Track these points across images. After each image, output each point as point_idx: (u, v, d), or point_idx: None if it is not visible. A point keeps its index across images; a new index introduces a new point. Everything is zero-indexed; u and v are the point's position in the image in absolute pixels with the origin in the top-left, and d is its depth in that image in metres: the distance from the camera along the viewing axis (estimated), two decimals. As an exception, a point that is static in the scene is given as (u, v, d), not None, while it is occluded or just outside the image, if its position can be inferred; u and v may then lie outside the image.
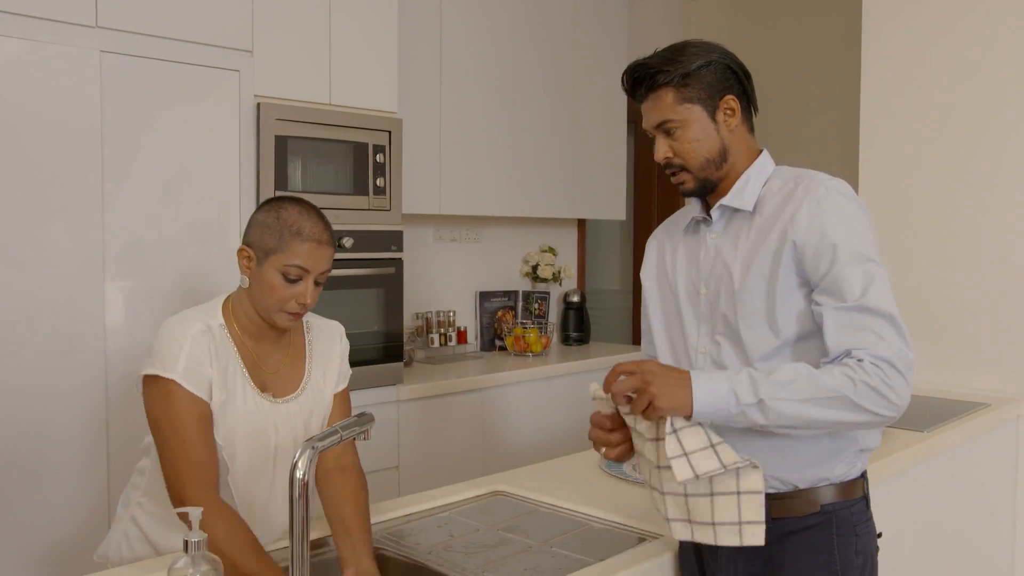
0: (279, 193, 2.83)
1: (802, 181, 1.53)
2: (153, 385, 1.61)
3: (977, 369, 3.10)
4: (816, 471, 1.53)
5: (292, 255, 1.62)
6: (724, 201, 1.57)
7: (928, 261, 3.17)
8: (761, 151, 1.61)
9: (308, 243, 1.62)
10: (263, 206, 1.69)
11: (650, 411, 1.39)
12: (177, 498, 1.57)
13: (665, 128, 1.54)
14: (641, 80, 1.55)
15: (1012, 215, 3.02)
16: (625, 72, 1.58)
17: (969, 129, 3.11)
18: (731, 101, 1.55)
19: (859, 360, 1.40)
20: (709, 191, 1.58)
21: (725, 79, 1.54)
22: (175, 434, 1.58)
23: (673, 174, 1.58)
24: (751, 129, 1.61)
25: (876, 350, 1.40)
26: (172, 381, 1.58)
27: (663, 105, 1.53)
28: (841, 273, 1.44)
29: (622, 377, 1.41)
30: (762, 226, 1.53)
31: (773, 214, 1.52)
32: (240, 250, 1.68)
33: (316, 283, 1.66)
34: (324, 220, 1.68)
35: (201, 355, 1.61)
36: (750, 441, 1.49)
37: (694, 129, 1.53)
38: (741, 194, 1.56)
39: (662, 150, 1.56)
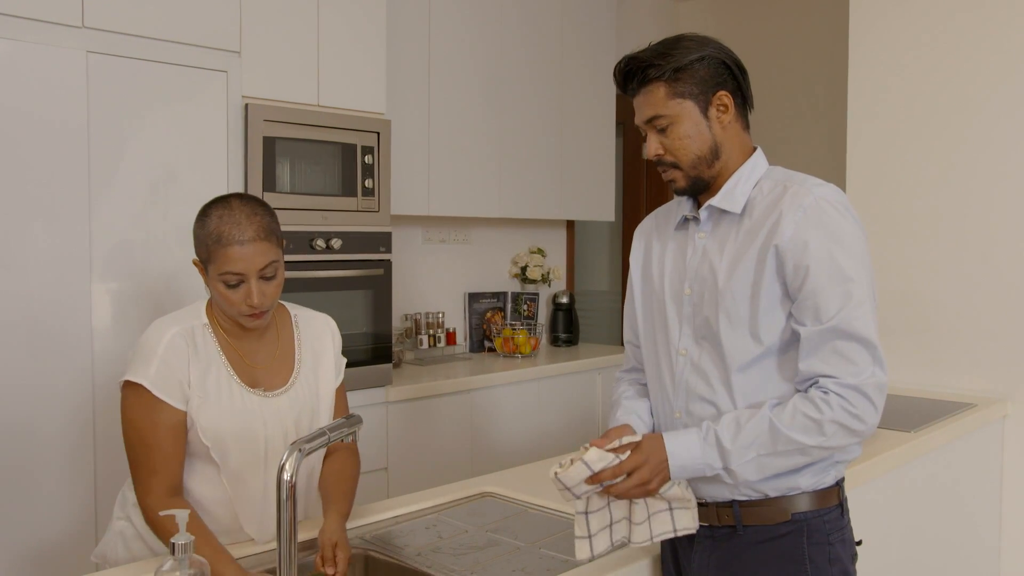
0: (266, 195, 2.83)
1: (792, 185, 1.49)
2: (127, 389, 1.65)
3: (962, 369, 3.12)
4: (785, 480, 1.50)
5: (221, 263, 1.62)
6: (712, 202, 1.53)
7: (914, 261, 3.18)
8: (755, 149, 1.57)
9: (231, 247, 1.60)
10: (197, 216, 1.68)
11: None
12: (140, 501, 1.63)
13: (656, 124, 1.51)
14: (632, 74, 1.51)
15: (997, 215, 3.04)
16: (617, 66, 1.54)
17: (954, 130, 3.13)
18: (724, 97, 1.51)
19: (825, 393, 1.42)
20: (701, 190, 1.55)
21: (719, 74, 1.50)
22: (140, 439, 1.63)
23: (664, 171, 1.55)
24: (746, 126, 1.57)
25: (845, 378, 1.41)
26: (142, 387, 1.62)
27: (654, 100, 1.50)
28: (818, 290, 1.42)
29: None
30: (750, 229, 1.50)
31: (760, 218, 1.49)
32: (193, 261, 1.70)
33: (265, 278, 1.64)
34: (250, 216, 1.63)
35: (174, 360, 1.64)
36: None
37: (685, 125, 1.50)
38: (730, 195, 1.52)
39: (653, 147, 1.52)
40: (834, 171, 3.51)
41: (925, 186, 3.19)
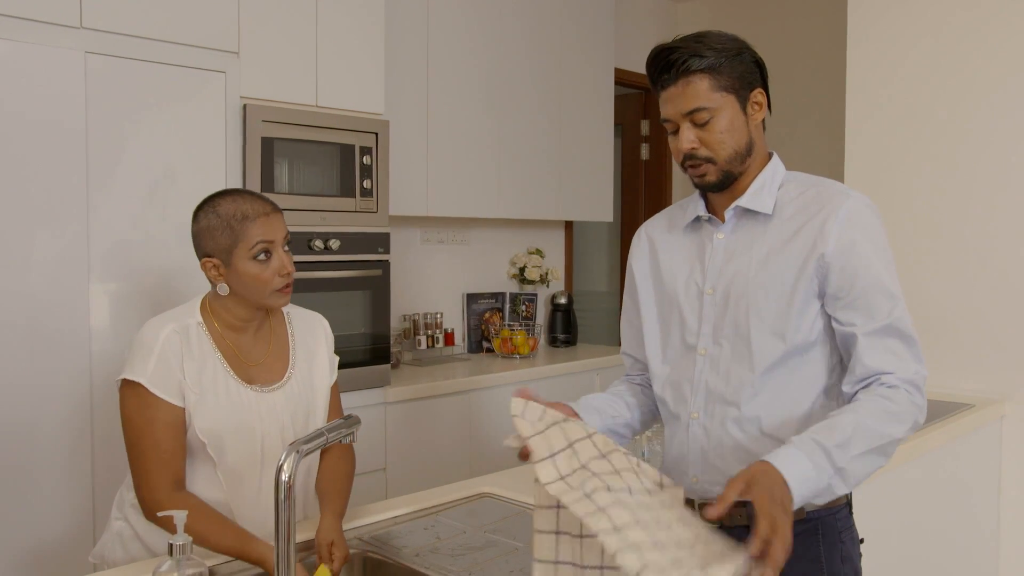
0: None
1: (824, 190, 1.51)
2: (125, 388, 1.67)
3: (961, 370, 3.12)
4: None
5: (252, 236, 1.66)
6: (740, 202, 1.52)
7: (912, 262, 3.19)
8: (772, 154, 1.58)
9: (258, 219, 1.67)
10: (196, 217, 1.71)
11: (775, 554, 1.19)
12: (143, 498, 1.64)
13: (696, 117, 1.47)
14: (671, 65, 1.46)
15: (996, 216, 3.05)
16: (652, 56, 1.50)
17: (953, 129, 3.13)
18: (760, 95, 1.51)
19: (891, 387, 1.42)
20: (728, 185, 1.52)
21: (753, 72, 1.50)
22: (140, 436, 1.64)
23: (695, 166, 1.50)
24: (764, 129, 1.58)
25: (900, 372, 1.43)
26: (140, 385, 1.63)
27: (696, 92, 1.45)
28: (868, 291, 1.44)
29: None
30: (782, 230, 1.50)
31: (796, 220, 1.49)
32: (203, 264, 1.71)
33: (286, 249, 1.72)
34: (259, 195, 1.73)
35: (171, 357, 1.65)
36: (739, 461, 1.47)
37: (726, 119, 1.47)
38: (758, 196, 1.52)
39: (688, 140, 1.48)
40: (833, 172, 3.50)
41: (923, 187, 3.20)
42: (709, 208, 1.59)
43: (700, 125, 1.47)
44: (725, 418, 1.52)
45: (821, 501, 1.41)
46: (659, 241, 1.67)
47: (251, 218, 1.66)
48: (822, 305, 1.49)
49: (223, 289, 1.70)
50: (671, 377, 1.61)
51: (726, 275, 1.53)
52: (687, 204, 1.64)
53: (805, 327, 1.48)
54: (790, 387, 1.49)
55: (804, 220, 1.49)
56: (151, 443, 1.63)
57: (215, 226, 1.67)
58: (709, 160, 1.49)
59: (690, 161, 1.50)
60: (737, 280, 1.51)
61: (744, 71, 1.49)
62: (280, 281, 1.69)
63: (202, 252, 1.70)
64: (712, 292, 1.54)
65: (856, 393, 1.46)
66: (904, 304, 1.47)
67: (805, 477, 1.28)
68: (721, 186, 1.52)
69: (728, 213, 1.55)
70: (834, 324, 1.48)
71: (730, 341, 1.52)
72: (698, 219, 1.60)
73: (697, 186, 1.55)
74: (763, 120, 1.56)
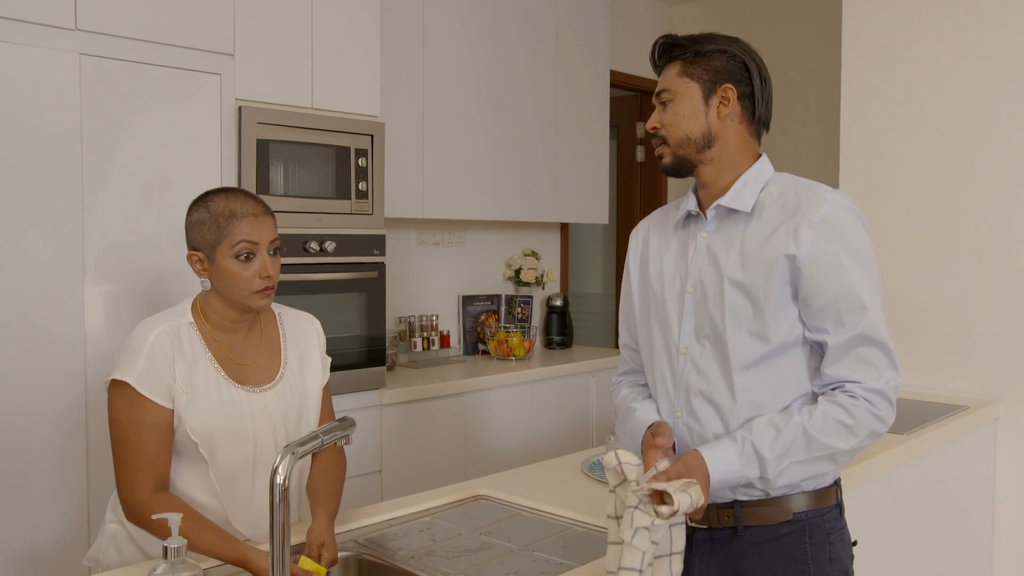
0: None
1: (803, 191, 1.52)
2: (114, 388, 1.67)
3: (955, 372, 3.13)
4: None
5: (235, 235, 1.67)
6: (721, 201, 1.55)
7: (906, 264, 3.19)
8: (761, 155, 1.61)
9: (245, 219, 1.68)
10: (190, 209, 1.73)
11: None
12: (125, 498, 1.64)
13: (661, 98, 1.59)
14: (663, 51, 1.61)
15: (989, 218, 3.05)
16: (654, 43, 1.64)
17: (946, 131, 3.14)
18: (728, 90, 1.55)
19: (853, 397, 1.45)
20: (687, 172, 1.60)
21: (734, 71, 1.56)
22: (126, 436, 1.64)
23: (656, 146, 1.61)
24: (755, 134, 1.61)
25: (868, 382, 1.46)
26: (128, 385, 1.63)
27: (667, 76, 1.59)
28: (840, 300, 1.46)
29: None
30: (759, 230, 1.51)
31: (773, 221, 1.51)
32: (189, 256, 1.72)
33: (273, 253, 1.72)
34: (253, 196, 1.73)
35: (160, 358, 1.66)
36: None
37: (684, 105, 1.56)
38: (739, 195, 1.55)
39: (653, 120, 1.60)
40: (827, 175, 3.52)
41: (917, 189, 3.21)
42: (699, 206, 1.62)
43: (663, 107, 1.59)
44: (708, 416, 1.54)
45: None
46: (652, 237, 1.70)
47: (238, 217, 1.67)
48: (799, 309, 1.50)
49: (205, 284, 1.72)
50: (659, 376, 1.62)
51: (706, 274, 1.56)
52: (681, 201, 1.67)
53: (783, 328, 1.49)
54: (771, 387, 1.51)
55: (780, 221, 1.51)
56: (137, 443, 1.63)
57: (204, 220, 1.68)
58: (664, 141, 1.59)
59: (654, 141, 1.62)
60: (714, 279, 1.54)
61: (720, 67, 1.56)
62: (260, 283, 1.69)
63: (190, 245, 1.72)
64: (693, 291, 1.57)
65: (820, 395, 1.51)
66: (879, 312, 1.49)
67: (726, 479, 1.45)
68: (676, 171, 1.60)
69: (711, 212, 1.58)
70: (805, 332, 1.50)
71: (710, 340, 1.54)
72: (688, 217, 1.63)
73: (661, 170, 1.64)
74: (752, 124, 1.59)
